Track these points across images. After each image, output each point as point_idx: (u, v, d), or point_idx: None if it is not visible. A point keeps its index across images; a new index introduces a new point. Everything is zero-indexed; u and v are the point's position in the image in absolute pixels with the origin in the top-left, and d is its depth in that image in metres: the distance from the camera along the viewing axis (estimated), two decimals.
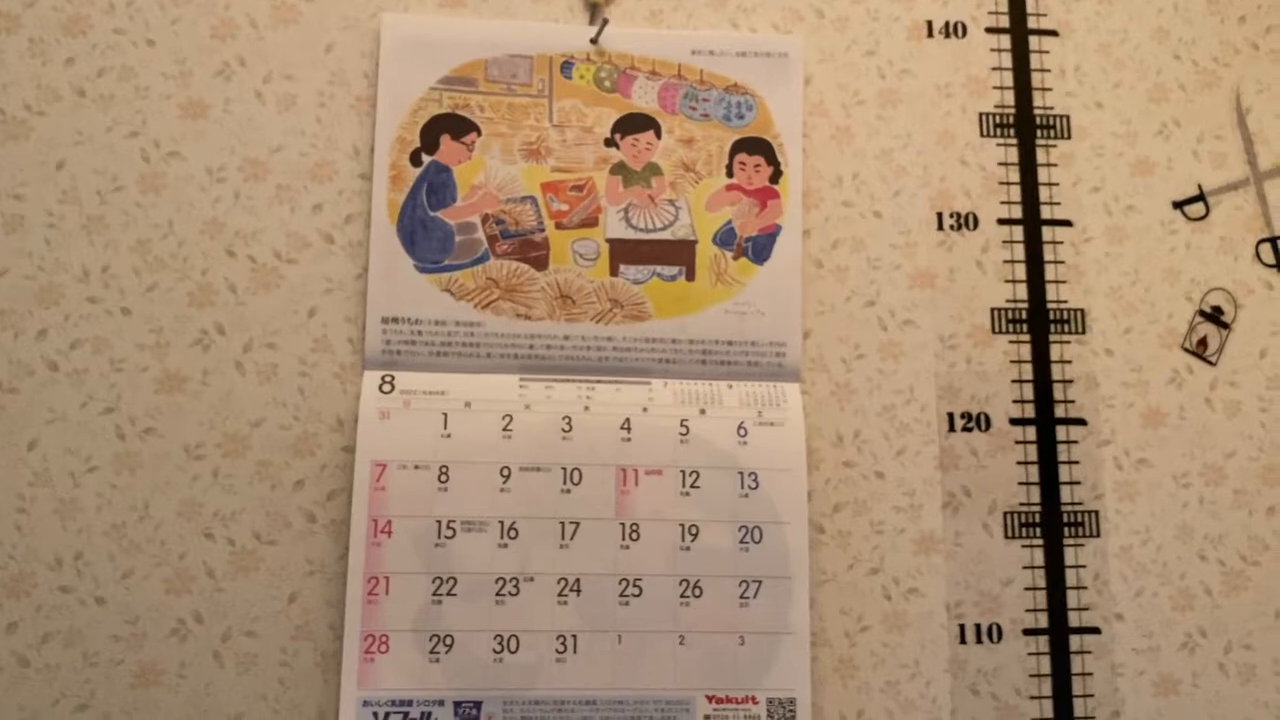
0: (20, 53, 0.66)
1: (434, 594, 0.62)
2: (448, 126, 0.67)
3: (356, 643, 0.61)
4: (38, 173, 0.65)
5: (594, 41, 0.69)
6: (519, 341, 0.67)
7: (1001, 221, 0.71)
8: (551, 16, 0.70)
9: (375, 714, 0.61)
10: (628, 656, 0.63)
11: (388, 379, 0.65)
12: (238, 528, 0.64)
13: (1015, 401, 0.69)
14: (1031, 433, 0.69)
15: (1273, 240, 0.73)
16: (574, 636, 0.62)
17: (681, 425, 0.66)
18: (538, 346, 0.67)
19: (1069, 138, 0.73)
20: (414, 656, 0.61)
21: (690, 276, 0.68)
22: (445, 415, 0.64)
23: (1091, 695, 0.67)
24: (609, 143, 0.69)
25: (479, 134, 0.68)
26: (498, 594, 0.62)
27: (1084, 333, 0.71)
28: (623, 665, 0.62)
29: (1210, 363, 0.71)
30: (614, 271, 0.68)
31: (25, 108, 0.66)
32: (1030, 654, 0.67)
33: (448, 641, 0.62)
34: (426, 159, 0.67)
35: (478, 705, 0.61)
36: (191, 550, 0.63)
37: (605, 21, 0.69)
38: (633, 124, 0.69)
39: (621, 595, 0.63)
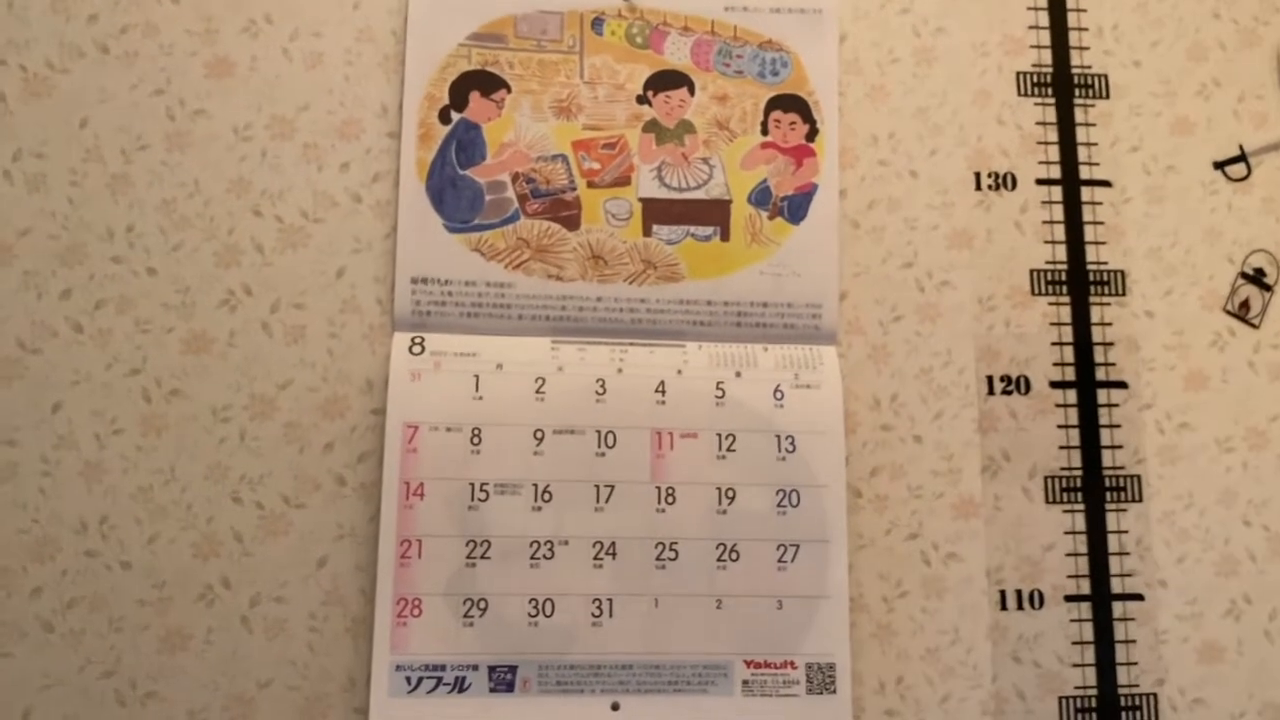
0: (43, 8, 0.65)
1: (468, 557, 0.61)
2: (477, 83, 0.66)
3: (389, 607, 0.60)
4: (61, 131, 0.64)
5: None
6: (551, 303, 0.65)
7: (1040, 182, 0.70)
8: None
9: (409, 678, 0.59)
10: (664, 621, 0.61)
11: (418, 340, 0.64)
12: (266, 491, 0.62)
13: (1055, 364, 0.68)
14: (1072, 396, 0.68)
15: None
16: (610, 600, 0.61)
17: (717, 388, 0.65)
18: (570, 308, 0.65)
19: (1107, 97, 0.71)
20: (448, 620, 0.60)
21: (725, 237, 0.67)
22: (477, 377, 0.63)
23: (1135, 663, 0.66)
24: (641, 100, 0.67)
25: (509, 91, 0.66)
26: (532, 557, 0.61)
27: (1124, 294, 0.69)
28: (659, 629, 0.61)
29: (1253, 325, 0.70)
30: (647, 232, 0.66)
31: (48, 65, 0.64)
32: (1072, 621, 0.66)
33: (482, 605, 0.60)
34: (455, 116, 0.66)
35: (513, 669, 0.60)
36: (219, 514, 0.62)
37: None
38: (665, 81, 0.68)
39: (658, 559, 0.62)
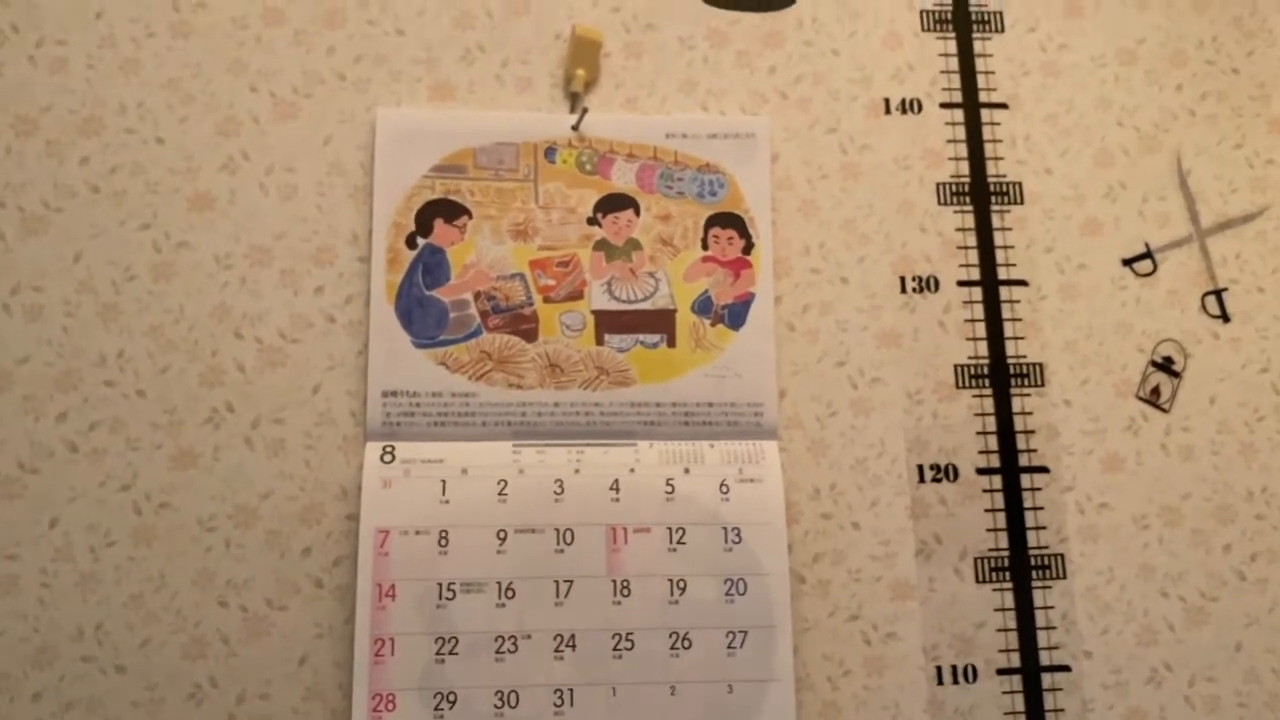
0: (38, 153, 0.71)
1: (437, 653, 0.65)
2: (440, 211, 0.72)
3: (365, 702, 0.64)
4: (56, 265, 0.70)
5: (575, 128, 0.74)
6: (512, 410, 0.71)
7: (961, 283, 0.76)
8: (535, 106, 0.75)
9: None
10: (622, 708, 0.66)
11: (388, 449, 0.69)
12: (249, 595, 0.67)
13: (981, 452, 0.74)
14: (997, 481, 0.73)
15: (1217, 293, 0.78)
16: (570, 690, 0.66)
17: (667, 484, 0.70)
18: (529, 414, 0.71)
19: (1022, 203, 0.78)
20: (420, 714, 0.65)
21: (671, 343, 0.72)
22: (444, 482, 0.68)
23: None
24: (591, 221, 0.73)
25: (470, 217, 0.72)
26: (497, 652, 0.66)
27: (1043, 385, 0.75)
28: (618, 716, 0.66)
29: (1164, 410, 0.76)
30: (599, 341, 0.72)
31: (44, 205, 0.70)
32: (1004, 693, 0.71)
33: (451, 699, 0.65)
34: (421, 242, 0.72)
35: None
36: (206, 618, 0.67)
37: (585, 110, 0.74)
38: (613, 203, 0.74)
39: (615, 649, 0.67)
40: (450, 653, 0.66)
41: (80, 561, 0.66)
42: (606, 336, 0.72)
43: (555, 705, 0.65)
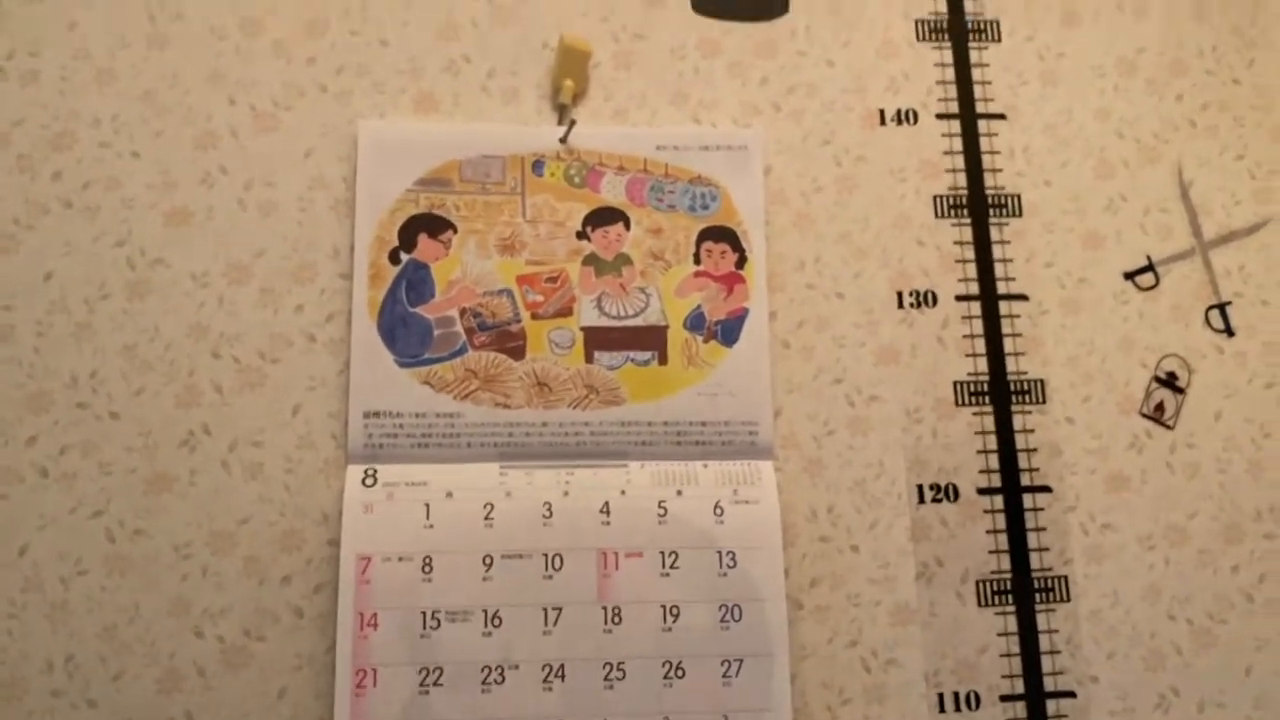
0: (8, 168, 0.69)
1: (421, 685, 0.63)
2: (425, 225, 0.70)
3: None
4: (27, 284, 0.67)
5: (563, 141, 0.72)
6: (498, 430, 0.68)
7: (959, 298, 0.74)
8: (521, 118, 0.73)
9: None
10: None
11: (370, 472, 0.67)
12: (227, 625, 0.65)
13: (981, 471, 0.72)
14: (999, 501, 0.71)
15: (1220, 306, 0.76)
16: None
17: (659, 506, 0.68)
18: (517, 434, 0.69)
19: (1020, 215, 0.76)
20: None
21: (663, 360, 0.70)
22: (427, 506, 0.66)
23: None
24: (580, 235, 0.71)
25: (455, 231, 0.70)
26: (483, 683, 0.63)
27: (1045, 402, 0.73)
28: None
29: (1168, 427, 0.74)
30: (589, 358, 0.70)
31: (14, 222, 0.68)
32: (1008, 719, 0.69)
33: None
34: (405, 257, 0.70)
35: None
36: (182, 649, 0.64)
37: (573, 122, 0.72)
38: (603, 217, 0.72)
39: (606, 679, 0.64)
40: (435, 684, 0.63)
41: (50, 591, 0.64)
42: (596, 354, 0.70)
43: None
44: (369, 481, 0.66)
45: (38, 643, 0.63)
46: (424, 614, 0.64)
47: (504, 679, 0.64)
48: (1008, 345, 0.74)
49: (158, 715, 0.63)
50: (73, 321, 0.67)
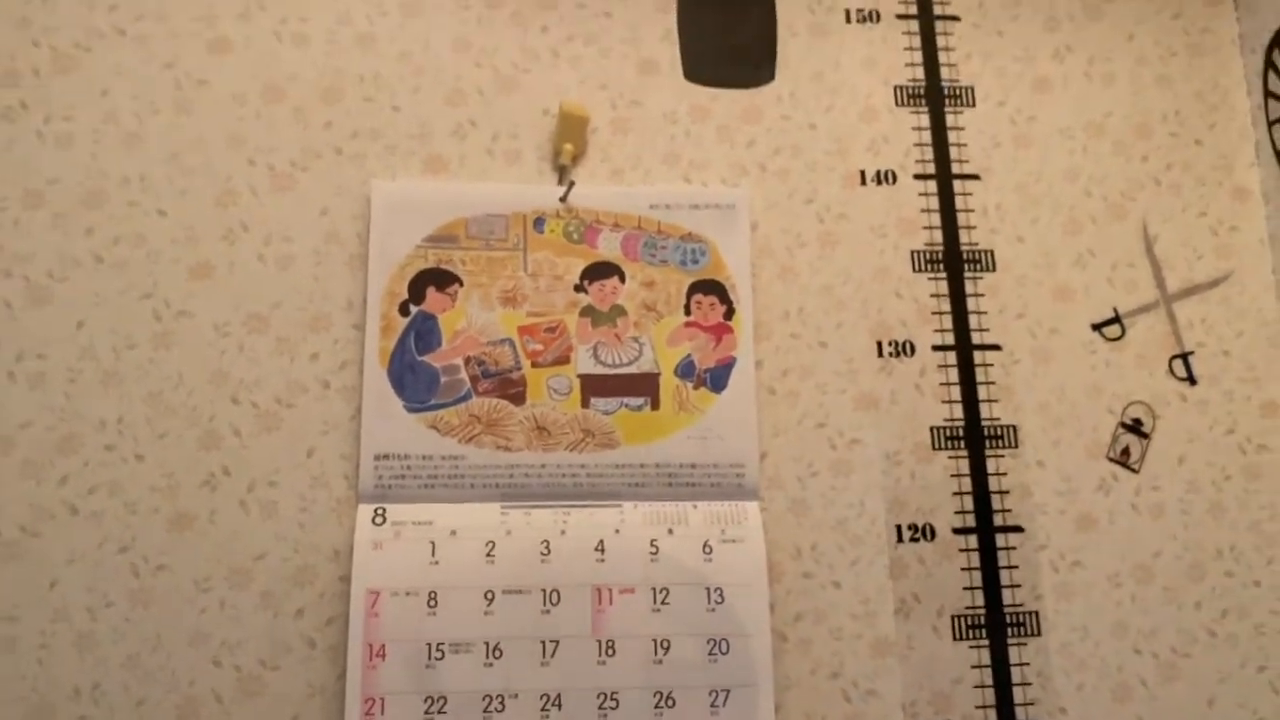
0: (45, 225, 0.73)
1: (426, 713, 0.67)
2: (433, 279, 0.75)
3: None
4: (59, 333, 0.72)
5: (563, 200, 0.77)
6: (500, 472, 0.73)
7: (936, 348, 0.78)
8: (524, 178, 0.78)
9: None
10: None
11: (380, 511, 0.71)
12: (243, 655, 0.69)
13: (957, 512, 0.76)
14: (973, 541, 0.75)
15: (1184, 356, 0.80)
16: None
17: (651, 545, 0.72)
18: (517, 475, 0.73)
19: (994, 270, 0.80)
20: None
21: (655, 406, 0.75)
22: (433, 544, 0.70)
23: None
24: (578, 288, 0.76)
25: (461, 285, 0.75)
26: (485, 711, 0.67)
27: (1017, 446, 0.77)
28: None
29: (1134, 470, 0.78)
30: (585, 404, 0.74)
31: (48, 275, 0.73)
32: None
33: None
34: (414, 309, 0.74)
35: None
36: (200, 678, 0.68)
37: (572, 183, 0.77)
38: (599, 271, 0.76)
39: (600, 709, 0.68)
40: (439, 712, 0.67)
41: (78, 622, 0.68)
42: (592, 399, 0.74)
43: None
44: (378, 520, 0.70)
45: (66, 671, 0.67)
46: (429, 646, 0.68)
47: (504, 707, 0.67)
48: (982, 392, 0.78)
49: None
50: (101, 369, 0.72)
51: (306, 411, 0.73)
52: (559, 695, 0.68)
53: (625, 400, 0.75)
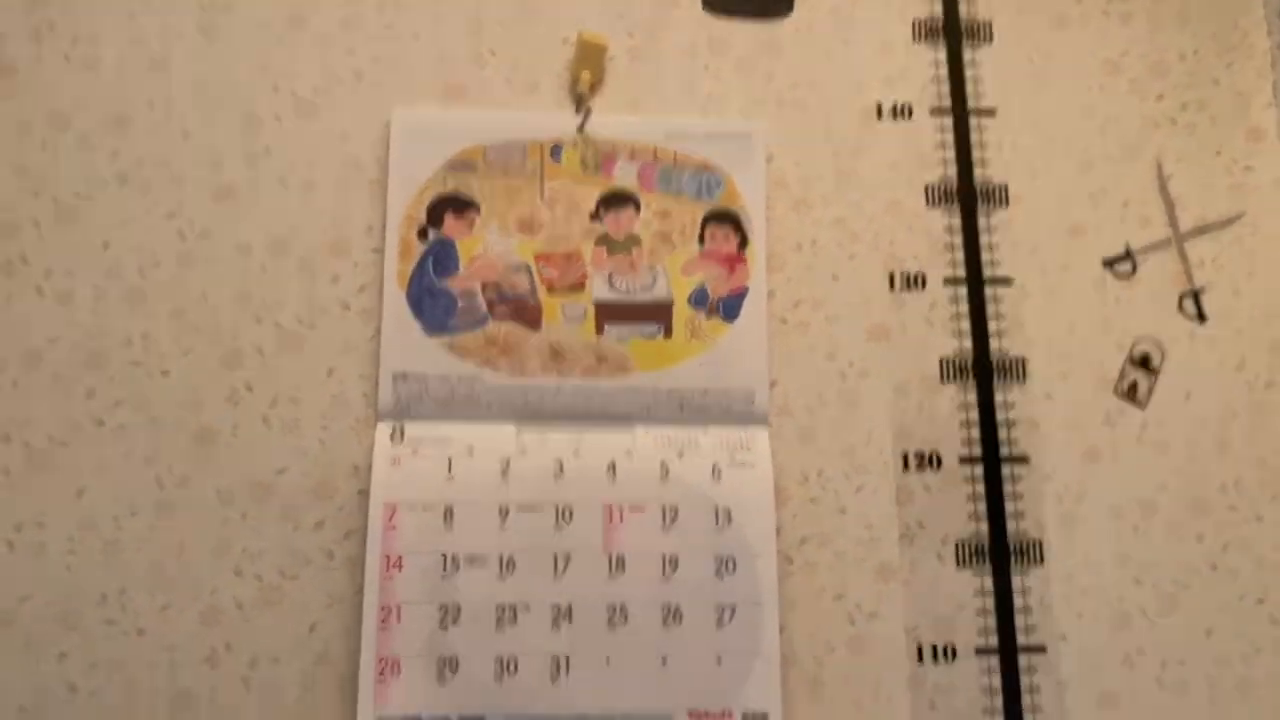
0: (71, 146, 0.75)
1: (440, 622, 0.69)
2: (451, 205, 0.76)
3: (372, 667, 0.68)
4: (86, 252, 0.73)
5: (580, 129, 0.78)
6: (515, 394, 0.74)
7: (947, 281, 0.79)
8: (542, 107, 0.79)
9: None
10: (616, 677, 0.69)
11: (398, 429, 0.72)
12: (264, 565, 0.71)
13: (963, 442, 0.77)
14: (979, 471, 0.77)
15: (1194, 294, 0.81)
16: (567, 659, 0.69)
17: (662, 467, 0.73)
18: (532, 398, 0.74)
19: (1007, 205, 0.81)
20: (424, 678, 0.68)
21: (668, 334, 0.76)
22: (450, 460, 0.72)
23: (1040, 710, 0.73)
24: (594, 217, 0.77)
25: (478, 211, 0.76)
26: (498, 621, 0.69)
27: (1025, 380, 0.78)
28: (612, 685, 0.69)
29: (1140, 406, 0.79)
30: (599, 330, 0.76)
31: (75, 195, 0.74)
32: (982, 672, 0.74)
33: (453, 665, 0.69)
34: (432, 234, 0.75)
35: None
36: (222, 586, 0.70)
37: (589, 111, 0.78)
38: (615, 200, 0.77)
39: (610, 621, 0.70)
40: (453, 621, 0.69)
41: (104, 530, 0.70)
42: (606, 326, 0.76)
43: (553, 673, 0.69)
44: (396, 437, 0.72)
45: (93, 577, 0.70)
46: (445, 558, 0.70)
47: (516, 618, 0.69)
48: (991, 326, 0.79)
49: (199, 645, 0.69)
50: (127, 287, 0.73)
51: (327, 332, 0.74)
52: (570, 607, 0.70)
53: (639, 327, 0.76)
